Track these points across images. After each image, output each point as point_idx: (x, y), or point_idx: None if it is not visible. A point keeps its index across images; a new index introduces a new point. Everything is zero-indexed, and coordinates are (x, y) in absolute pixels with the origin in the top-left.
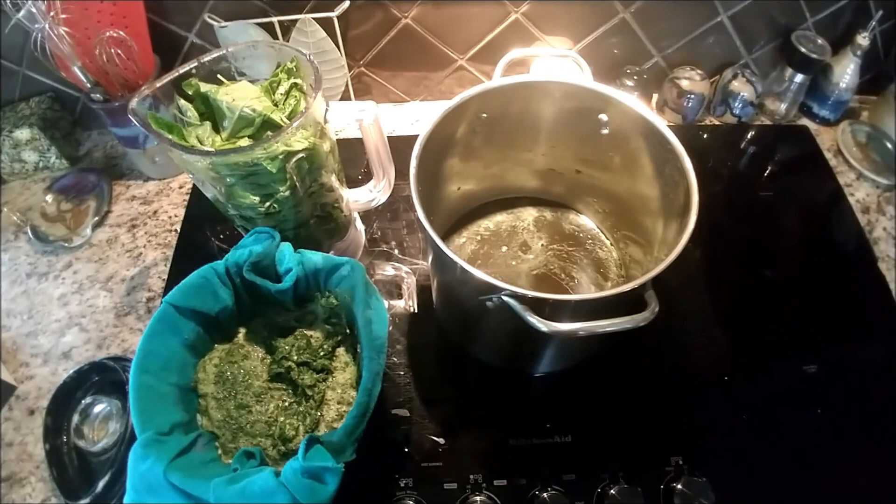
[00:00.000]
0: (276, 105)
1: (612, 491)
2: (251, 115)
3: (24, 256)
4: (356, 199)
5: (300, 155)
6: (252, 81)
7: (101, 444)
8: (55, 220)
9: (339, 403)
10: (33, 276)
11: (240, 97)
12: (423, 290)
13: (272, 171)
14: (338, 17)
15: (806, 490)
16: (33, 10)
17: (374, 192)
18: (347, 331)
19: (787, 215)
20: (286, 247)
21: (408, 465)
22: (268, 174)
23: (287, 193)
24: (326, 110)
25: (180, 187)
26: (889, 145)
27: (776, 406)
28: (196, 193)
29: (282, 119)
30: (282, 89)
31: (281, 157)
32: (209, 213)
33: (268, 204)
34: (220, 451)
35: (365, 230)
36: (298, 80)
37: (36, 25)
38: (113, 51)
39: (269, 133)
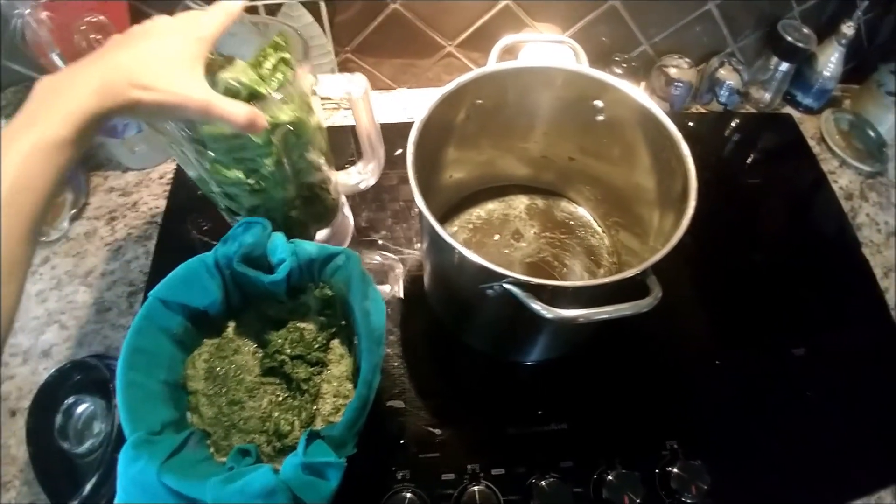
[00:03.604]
0: (262, 79)
1: (609, 476)
2: (236, 87)
3: None
4: (345, 181)
5: (286, 127)
6: None
7: (87, 446)
8: None
9: (335, 397)
10: None
11: (226, 71)
12: (413, 280)
13: (258, 142)
14: (325, 1)
15: (798, 469)
16: None
17: (364, 174)
18: (342, 322)
19: (772, 202)
20: (278, 237)
21: (404, 456)
22: (254, 147)
23: (272, 168)
24: (315, 84)
25: (160, 178)
26: (871, 133)
27: (767, 389)
28: (177, 184)
29: (268, 92)
30: (269, 64)
31: (266, 128)
32: (191, 205)
33: (253, 180)
34: (212, 450)
35: (354, 219)
36: (286, 55)
37: (15, 11)
38: (92, 37)
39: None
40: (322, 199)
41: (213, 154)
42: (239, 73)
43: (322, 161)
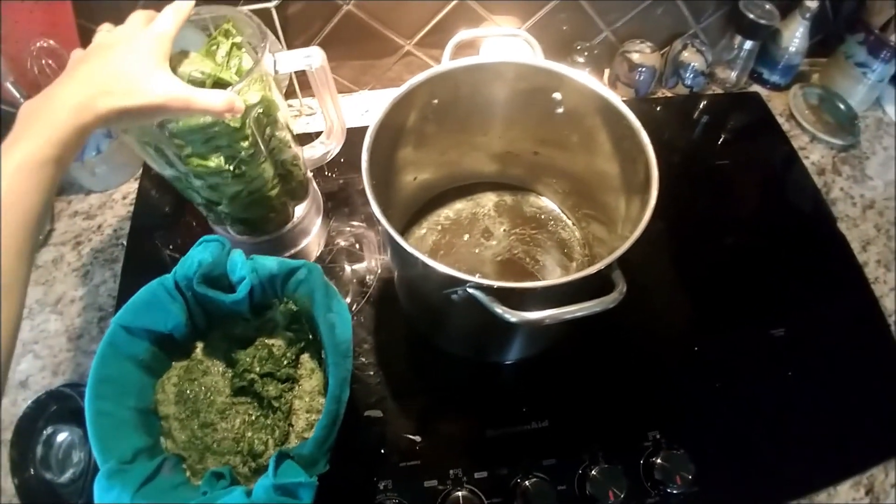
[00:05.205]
0: (220, 66)
1: (592, 472)
2: (201, 77)
3: None
4: (311, 154)
5: (258, 109)
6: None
7: (68, 475)
8: None
9: (307, 412)
10: None
11: (185, 65)
12: (385, 285)
13: (234, 126)
14: (276, 8)
15: (784, 452)
16: None
17: (328, 144)
18: (310, 336)
19: (744, 183)
20: (237, 254)
21: (385, 466)
22: (229, 133)
23: (251, 151)
24: (275, 62)
25: (124, 198)
26: (842, 106)
27: (747, 372)
28: (141, 203)
29: (232, 77)
30: (222, 51)
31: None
32: (156, 223)
33: (233, 166)
34: (188, 474)
35: (324, 219)
36: (238, 39)
37: None
38: (44, 62)
39: None
40: (295, 176)
41: (190, 149)
42: (198, 65)
43: (290, 137)
